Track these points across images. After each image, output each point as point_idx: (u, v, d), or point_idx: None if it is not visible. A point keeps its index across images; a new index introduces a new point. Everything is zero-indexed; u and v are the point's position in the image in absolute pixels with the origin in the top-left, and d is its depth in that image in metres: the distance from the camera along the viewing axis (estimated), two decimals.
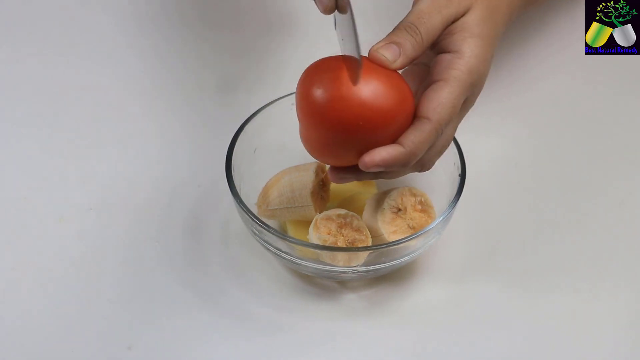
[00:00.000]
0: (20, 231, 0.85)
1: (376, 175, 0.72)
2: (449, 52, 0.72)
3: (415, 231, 0.77)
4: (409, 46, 0.70)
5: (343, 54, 0.71)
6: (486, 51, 0.72)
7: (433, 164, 0.74)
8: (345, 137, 0.69)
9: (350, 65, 0.69)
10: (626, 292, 0.81)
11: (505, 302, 0.80)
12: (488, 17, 0.73)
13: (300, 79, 0.72)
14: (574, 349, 0.77)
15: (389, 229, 0.78)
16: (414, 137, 0.69)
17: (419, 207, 0.79)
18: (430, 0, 0.72)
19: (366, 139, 0.69)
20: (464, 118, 0.75)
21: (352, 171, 0.72)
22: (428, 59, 0.75)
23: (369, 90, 0.68)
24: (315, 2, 0.70)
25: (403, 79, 0.71)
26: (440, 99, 0.70)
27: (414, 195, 0.79)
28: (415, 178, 0.85)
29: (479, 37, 0.72)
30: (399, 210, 0.78)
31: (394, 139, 0.69)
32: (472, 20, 0.72)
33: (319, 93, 0.69)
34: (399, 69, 0.71)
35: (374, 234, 0.78)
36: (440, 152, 0.74)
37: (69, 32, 1.01)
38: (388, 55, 0.70)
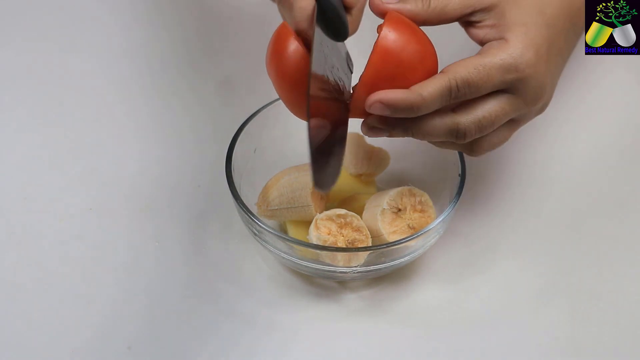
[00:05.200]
0: (20, 231, 0.85)
1: (405, 128, 0.71)
2: (494, 40, 0.71)
3: (415, 231, 0.77)
4: (412, 1, 0.70)
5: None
6: (533, 37, 0.71)
7: (472, 136, 0.71)
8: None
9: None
10: (627, 292, 0.81)
11: (505, 303, 0.80)
12: (525, 5, 0.72)
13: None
14: (575, 349, 0.77)
15: (389, 229, 0.78)
16: (423, 84, 0.68)
17: (419, 207, 0.79)
18: None
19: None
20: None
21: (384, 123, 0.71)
22: None
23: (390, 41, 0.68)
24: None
25: (426, 37, 0.70)
26: (465, 61, 0.69)
27: (414, 195, 0.79)
28: (415, 178, 0.85)
29: (524, 25, 0.71)
30: (399, 210, 0.78)
31: None
32: (509, 11, 0.71)
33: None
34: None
35: (374, 234, 0.78)
36: (480, 125, 0.71)
37: (69, 32, 1.01)
38: None
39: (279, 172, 0.82)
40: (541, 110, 0.75)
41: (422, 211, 0.79)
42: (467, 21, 0.73)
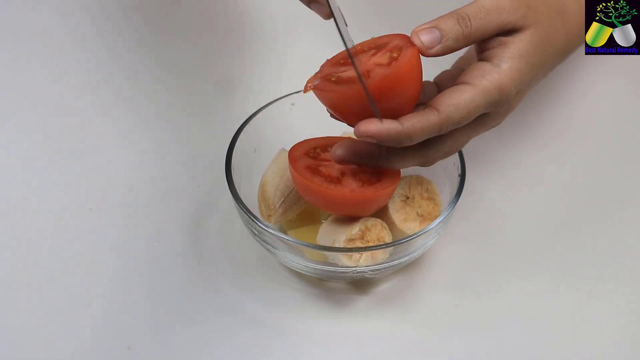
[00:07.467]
0: (20, 231, 0.85)
1: (375, 161, 0.71)
2: (490, 62, 0.70)
3: (424, 219, 0.78)
4: (453, 37, 0.69)
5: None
6: (523, 75, 0.70)
7: (435, 162, 0.73)
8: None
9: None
10: (626, 292, 0.81)
11: (505, 303, 0.80)
12: (539, 45, 0.71)
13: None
14: (575, 349, 0.77)
15: (400, 216, 0.78)
16: (416, 121, 0.68)
17: (426, 194, 0.79)
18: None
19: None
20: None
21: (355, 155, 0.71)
22: (467, 63, 0.74)
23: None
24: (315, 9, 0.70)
25: (417, 63, 0.69)
26: (458, 100, 0.68)
27: (420, 183, 0.80)
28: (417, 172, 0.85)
29: (525, 62, 0.70)
30: (407, 198, 0.79)
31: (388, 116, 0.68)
32: (525, 42, 0.70)
33: None
34: (434, 56, 0.69)
35: (387, 221, 0.78)
36: (445, 155, 0.72)
37: (68, 32, 1.01)
38: (425, 39, 0.68)
39: (260, 182, 0.82)
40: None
41: (429, 199, 0.79)
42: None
